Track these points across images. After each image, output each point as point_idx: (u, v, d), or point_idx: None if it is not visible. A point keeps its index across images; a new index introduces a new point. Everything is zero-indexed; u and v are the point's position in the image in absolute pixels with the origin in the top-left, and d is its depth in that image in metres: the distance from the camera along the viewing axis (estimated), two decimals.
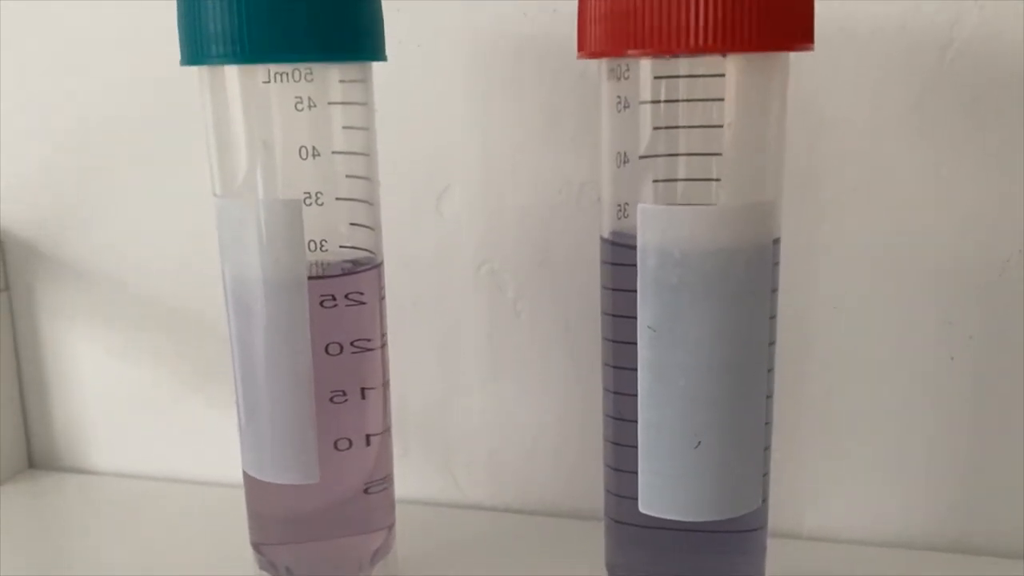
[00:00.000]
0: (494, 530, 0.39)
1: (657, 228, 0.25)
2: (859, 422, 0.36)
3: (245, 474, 0.31)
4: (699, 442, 0.25)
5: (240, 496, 0.33)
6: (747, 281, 0.25)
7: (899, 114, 0.34)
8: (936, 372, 0.35)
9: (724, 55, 0.24)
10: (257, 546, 0.32)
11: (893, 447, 0.36)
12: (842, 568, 0.35)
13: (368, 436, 0.31)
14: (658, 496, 0.26)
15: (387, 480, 0.33)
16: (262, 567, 0.32)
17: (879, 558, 0.36)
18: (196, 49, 0.27)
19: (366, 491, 0.32)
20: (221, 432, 0.42)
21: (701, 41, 0.23)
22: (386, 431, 0.32)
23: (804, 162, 0.35)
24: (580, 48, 0.26)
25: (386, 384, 0.32)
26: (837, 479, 0.37)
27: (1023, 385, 0.35)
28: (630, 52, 0.24)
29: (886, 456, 0.37)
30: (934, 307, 0.35)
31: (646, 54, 0.24)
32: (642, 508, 0.27)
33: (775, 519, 0.36)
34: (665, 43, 0.23)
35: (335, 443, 0.30)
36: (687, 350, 0.25)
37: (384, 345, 0.32)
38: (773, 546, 0.30)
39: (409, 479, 0.40)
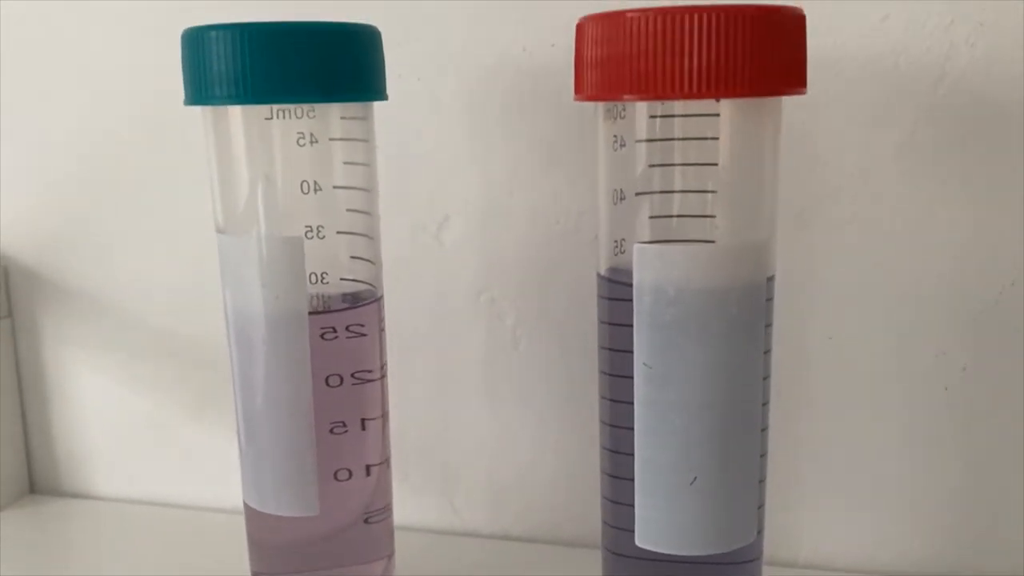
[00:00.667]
0: (492, 557, 0.39)
1: (652, 266, 0.25)
2: (854, 452, 0.37)
3: (246, 504, 0.31)
4: (695, 478, 0.26)
5: (240, 522, 0.33)
6: (741, 318, 0.25)
7: (892, 150, 0.34)
8: (930, 403, 0.36)
9: (718, 100, 0.25)
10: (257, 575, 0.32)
11: (888, 477, 0.37)
12: None
13: (368, 466, 0.32)
14: (654, 531, 0.27)
15: (387, 509, 0.33)
16: None
17: None
18: (200, 90, 0.27)
19: (366, 521, 0.32)
20: (222, 458, 0.43)
21: (695, 88, 0.24)
22: (385, 461, 0.33)
23: (798, 197, 0.35)
24: (577, 91, 0.26)
25: (385, 415, 0.32)
26: (833, 508, 0.38)
27: (1016, 416, 0.35)
28: (626, 97, 0.24)
29: (881, 486, 0.37)
30: (928, 339, 0.35)
31: (642, 99, 0.25)
32: (639, 542, 0.27)
33: (771, 548, 0.36)
34: (660, 89, 0.24)
35: (335, 474, 0.31)
36: (682, 387, 0.25)
37: (384, 376, 0.32)
38: (771, 574, 0.30)
39: (408, 506, 0.41)
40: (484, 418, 0.40)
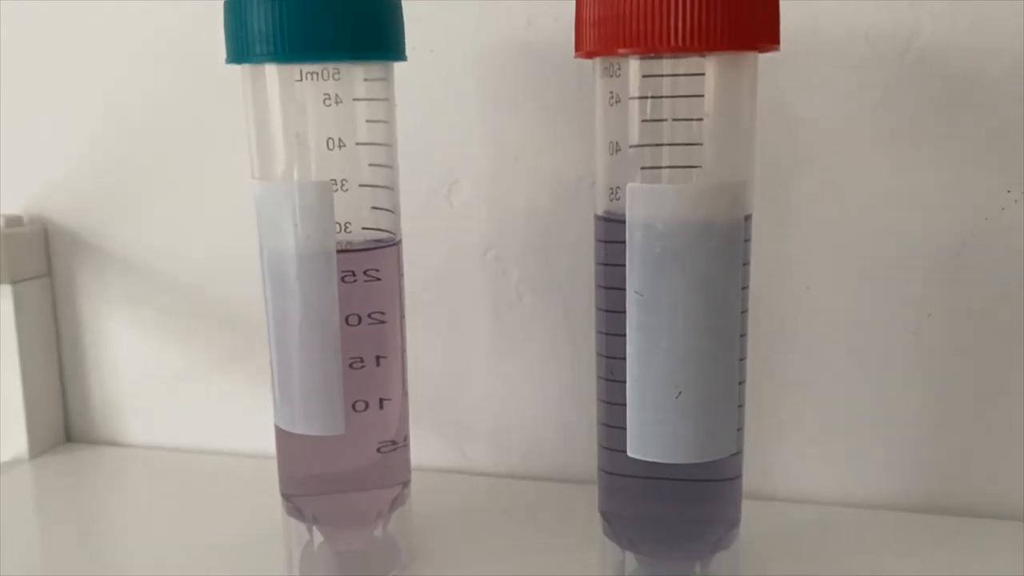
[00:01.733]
0: (499, 492, 0.43)
1: (642, 204, 0.28)
2: (830, 393, 0.40)
3: (277, 429, 0.35)
4: (679, 392, 0.29)
5: (266, 466, 0.36)
6: (721, 251, 0.28)
7: (863, 114, 0.37)
8: (900, 346, 0.39)
9: (702, 54, 0.28)
10: (287, 496, 0.35)
11: (862, 415, 0.40)
12: (815, 526, 0.39)
13: (382, 400, 0.34)
14: (644, 441, 0.30)
15: (401, 441, 0.36)
16: (290, 514, 0.35)
17: (850, 517, 0.39)
18: (241, 49, 0.31)
19: (379, 450, 0.35)
20: (248, 407, 0.46)
21: (681, 42, 0.27)
22: (399, 397, 0.35)
23: (779, 158, 0.38)
24: (577, 48, 0.30)
25: (403, 354, 0.35)
26: (810, 445, 0.41)
27: (976, 358, 0.38)
28: (620, 51, 0.28)
29: (856, 423, 0.40)
30: (897, 288, 0.38)
31: (634, 53, 0.28)
32: (631, 453, 0.30)
33: (753, 483, 0.39)
34: (650, 43, 0.27)
35: (353, 404, 0.34)
36: (668, 312, 0.28)
37: (402, 318, 0.35)
38: (751, 507, 0.33)
39: (420, 448, 0.44)
40: (490, 366, 0.43)
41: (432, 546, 0.38)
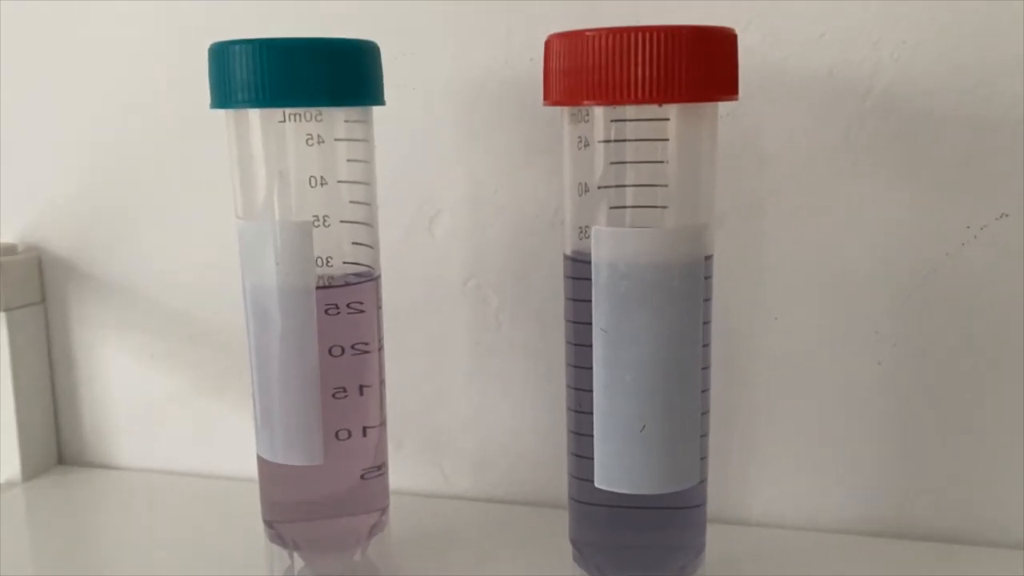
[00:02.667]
0: (476, 516, 0.44)
1: (607, 246, 0.29)
2: (798, 421, 0.41)
3: (259, 458, 0.36)
4: (644, 426, 0.30)
5: (252, 489, 0.37)
6: (683, 290, 0.30)
7: (829, 149, 0.38)
8: (866, 376, 0.40)
9: (660, 105, 0.29)
10: (269, 523, 0.37)
11: (829, 443, 0.41)
12: (782, 550, 0.40)
13: (365, 428, 0.36)
14: (611, 473, 0.31)
15: (382, 467, 0.37)
16: (272, 540, 0.36)
17: (817, 542, 0.40)
18: (224, 96, 0.32)
19: (362, 477, 0.36)
20: (233, 431, 0.47)
21: (642, 94, 0.28)
22: (381, 424, 0.37)
23: (748, 191, 0.40)
24: (546, 97, 0.31)
25: (382, 383, 0.37)
26: (780, 471, 0.42)
27: (939, 385, 0.39)
28: (585, 102, 0.29)
29: (823, 450, 0.41)
30: (863, 320, 0.40)
31: (598, 104, 0.29)
32: (598, 483, 0.31)
33: (728, 508, 0.41)
34: (614, 95, 0.28)
35: (336, 433, 0.35)
36: (632, 348, 0.30)
37: (381, 349, 0.36)
38: (723, 531, 0.34)
39: (402, 472, 0.45)
40: (470, 392, 0.45)
41: (410, 570, 0.39)
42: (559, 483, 0.43)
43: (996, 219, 0.37)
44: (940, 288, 0.38)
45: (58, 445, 0.51)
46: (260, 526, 0.37)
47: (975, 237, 0.38)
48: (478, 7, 0.41)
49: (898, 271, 0.39)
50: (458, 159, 0.43)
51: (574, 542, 0.34)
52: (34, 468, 0.49)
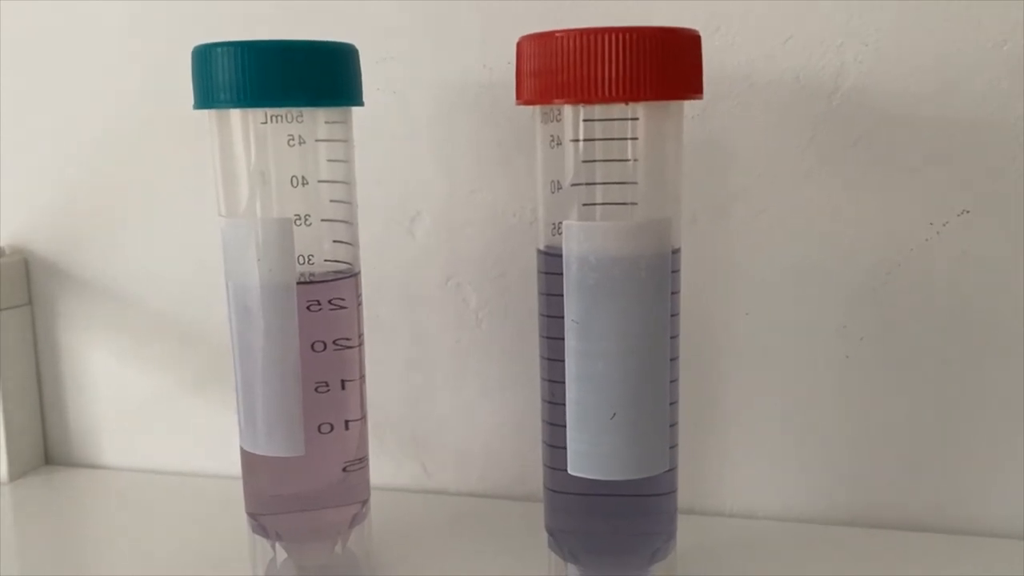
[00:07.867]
0: (455, 509, 0.45)
1: (577, 240, 0.30)
2: (770, 414, 0.42)
3: (243, 451, 0.36)
4: (614, 414, 0.31)
5: (236, 487, 0.37)
6: (650, 282, 0.31)
7: (795, 150, 0.40)
8: (834, 369, 0.41)
9: (627, 103, 0.30)
10: (252, 515, 0.37)
11: (799, 434, 0.42)
12: (754, 540, 0.41)
13: (347, 422, 0.36)
14: (583, 460, 0.32)
15: (363, 460, 0.38)
16: (255, 531, 0.37)
17: (787, 531, 0.41)
18: (207, 96, 0.33)
19: (344, 469, 0.37)
20: (217, 430, 0.48)
21: (610, 93, 0.29)
22: (362, 418, 0.37)
23: (718, 190, 0.41)
24: (518, 97, 0.32)
25: (363, 378, 0.37)
26: (752, 463, 0.43)
27: (905, 378, 0.40)
28: (556, 101, 0.30)
29: (793, 443, 0.42)
30: (831, 313, 0.41)
31: (568, 103, 0.30)
32: (571, 470, 0.32)
33: (704, 499, 0.41)
34: (583, 94, 0.29)
35: (319, 427, 0.36)
36: (602, 339, 0.31)
37: (361, 344, 0.37)
38: (697, 522, 0.35)
39: (384, 469, 0.46)
40: (451, 389, 0.45)
41: (390, 560, 0.40)
42: (537, 478, 0.44)
43: (957, 215, 0.39)
44: (905, 283, 0.40)
45: (45, 445, 0.52)
46: (244, 522, 0.37)
47: (938, 233, 0.39)
48: (457, 11, 0.42)
49: (864, 267, 0.40)
50: (437, 160, 0.44)
51: (549, 530, 0.35)
52: (21, 468, 0.50)
